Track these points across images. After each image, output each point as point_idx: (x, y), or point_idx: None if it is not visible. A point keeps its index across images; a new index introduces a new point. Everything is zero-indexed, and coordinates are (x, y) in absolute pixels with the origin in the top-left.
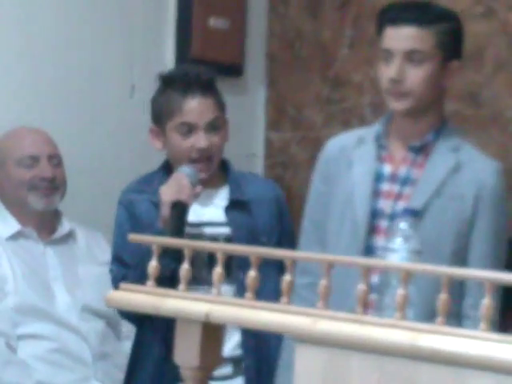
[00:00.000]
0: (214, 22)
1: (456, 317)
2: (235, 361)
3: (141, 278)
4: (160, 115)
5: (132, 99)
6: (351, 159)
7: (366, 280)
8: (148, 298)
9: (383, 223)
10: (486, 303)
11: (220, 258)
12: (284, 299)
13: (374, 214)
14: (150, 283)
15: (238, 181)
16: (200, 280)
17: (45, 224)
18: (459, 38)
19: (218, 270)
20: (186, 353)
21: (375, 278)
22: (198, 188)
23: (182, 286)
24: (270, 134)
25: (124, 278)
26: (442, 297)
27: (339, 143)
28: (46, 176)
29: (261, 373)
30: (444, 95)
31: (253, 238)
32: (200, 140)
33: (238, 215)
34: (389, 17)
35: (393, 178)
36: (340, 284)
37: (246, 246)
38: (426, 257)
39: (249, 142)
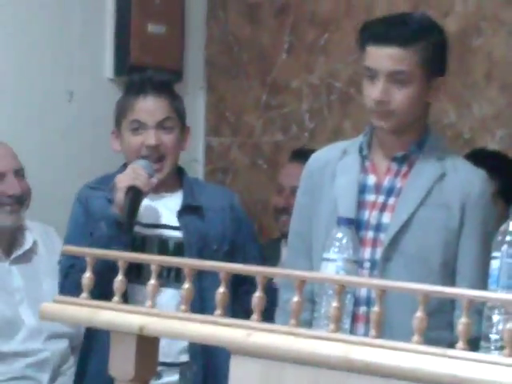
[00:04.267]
0: (153, 28)
1: (447, 328)
2: (182, 368)
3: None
4: (117, 116)
5: (70, 105)
6: (334, 172)
7: (299, 292)
8: (82, 310)
9: (369, 234)
10: (419, 316)
11: (155, 269)
12: (218, 311)
13: (360, 226)
14: (84, 295)
15: (193, 187)
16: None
17: (10, 241)
18: (443, 52)
19: (151, 283)
20: (120, 365)
21: (364, 292)
22: (154, 179)
23: (116, 298)
24: (209, 140)
25: (72, 267)
26: (376, 309)
27: (324, 157)
28: (15, 193)
29: (208, 378)
30: (428, 109)
31: (204, 245)
32: (149, 137)
33: (191, 220)
34: (370, 35)
35: (377, 188)
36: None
37: (181, 258)
38: (416, 268)
39: (189, 148)
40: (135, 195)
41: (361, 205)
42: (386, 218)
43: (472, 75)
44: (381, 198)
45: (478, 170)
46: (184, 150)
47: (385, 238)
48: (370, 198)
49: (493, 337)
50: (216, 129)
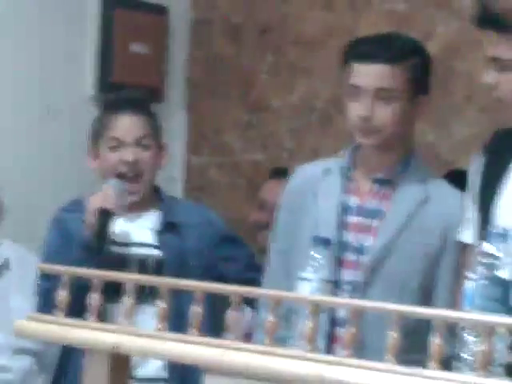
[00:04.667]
0: (135, 47)
1: (423, 350)
2: (159, 381)
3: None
4: (94, 134)
5: (51, 121)
6: (316, 191)
7: (273, 312)
8: (56, 329)
9: (350, 257)
10: (394, 336)
11: (132, 288)
12: (193, 330)
13: (341, 247)
14: (59, 313)
15: (170, 204)
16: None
17: None
18: (428, 72)
19: (127, 301)
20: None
21: (342, 313)
22: (125, 200)
23: (91, 316)
24: (189, 158)
25: (50, 290)
26: (349, 330)
27: (305, 174)
28: None
29: None
30: (413, 128)
31: (182, 261)
32: (127, 154)
33: (169, 238)
34: (357, 52)
35: (360, 210)
36: None
37: (157, 277)
38: (395, 292)
39: (169, 166)
40: (105, 217)
41: (343, 226)
42: (368, 240)
43: (452, 97)
44: (363, 220)
45: (458, 194)
46: (161, 168)
47: (367, 261)
48: (353, 219)
49: (466, 357)
50: (196, 147)
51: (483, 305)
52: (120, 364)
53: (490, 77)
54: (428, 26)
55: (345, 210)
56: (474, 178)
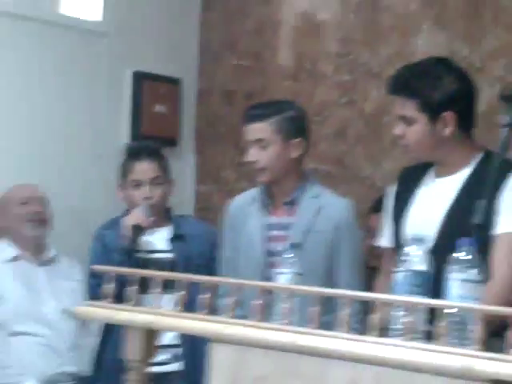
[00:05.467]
0: (158, 108)
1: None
2: (173, 348)
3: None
4: (121, 175)
5: (96, 163)
6: (247, 214)
7: (261, 296)
8: (105, 312)
9: (277, 260)
10: (344, 313)
11: (159, 281)
12: (204, 311)
13: (270, 254)
14: (108, 300)
15: (178, 221)
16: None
17: (37, 249)
18: (297, 122)
19: (157, 291)
20: (132, 350)
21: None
22: (151, 218)
23: (131, 302)
24: (198, 188)
25: (99, 285)
26: (315, 309)
27: (239, 202)
28: (37, 211)
29: (195, 358)
30: (299, 162)
31: (189, 261)
32: (145, 191)
33: (178, 245)
34: (244, 117)
35: (278, 226)
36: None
37: (178, 274)
38: (307, 275)
39: (182, 194)
40: (137, 231)
41: (270, 239)
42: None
43: (383, 142)
44: (282, 233)
45: (344, 201)
46: (170, 196)
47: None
48: (274, 233)
49: (397, 327)
50: (202, 180)
51: (408, 290)
52: (151, 336)
53: (398, 130)
54: (365, 91)
55: (269, 227)
56: (388, 201)
